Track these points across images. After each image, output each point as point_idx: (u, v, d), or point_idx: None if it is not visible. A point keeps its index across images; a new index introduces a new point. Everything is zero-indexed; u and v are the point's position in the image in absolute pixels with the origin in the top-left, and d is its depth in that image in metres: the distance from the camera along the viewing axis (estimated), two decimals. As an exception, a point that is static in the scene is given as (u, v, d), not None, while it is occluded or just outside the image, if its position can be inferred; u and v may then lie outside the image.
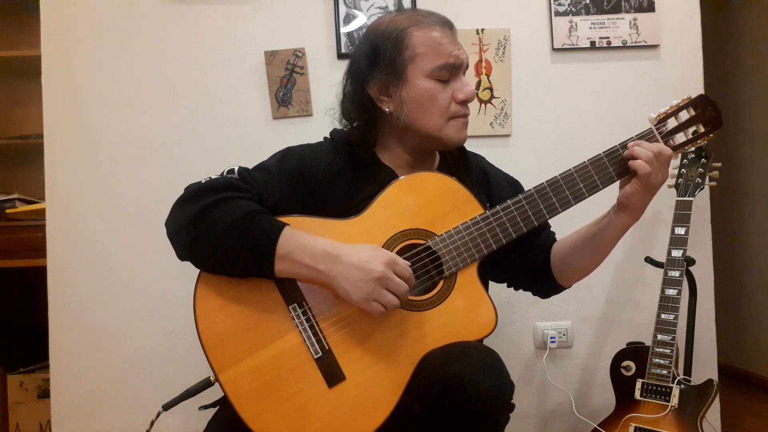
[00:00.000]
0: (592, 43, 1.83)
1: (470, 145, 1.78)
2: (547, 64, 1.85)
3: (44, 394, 2.01)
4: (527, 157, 1.81)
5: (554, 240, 1.31)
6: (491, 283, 1.36)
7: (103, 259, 1.76)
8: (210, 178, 1.11)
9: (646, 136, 1.12)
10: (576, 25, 1.83)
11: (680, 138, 1.13)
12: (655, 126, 1.12)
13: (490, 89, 1.82)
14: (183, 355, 1.72)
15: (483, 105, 1.82)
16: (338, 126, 1.28)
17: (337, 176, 1.18)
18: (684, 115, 1.13)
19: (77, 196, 1.76)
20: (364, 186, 1.17)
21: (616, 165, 1.12)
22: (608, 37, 1.83)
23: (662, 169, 1.09)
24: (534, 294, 1.35)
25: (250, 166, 1.18)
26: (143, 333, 1.75)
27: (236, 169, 1.14)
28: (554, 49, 1.84)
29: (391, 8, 1.80)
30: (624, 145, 1.12)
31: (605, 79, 1.84)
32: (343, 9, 1.80)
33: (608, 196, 1.17)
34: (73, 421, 1.73)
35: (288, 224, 1.06)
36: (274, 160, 1.20)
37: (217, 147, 1.77)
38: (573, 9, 1.83)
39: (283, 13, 1.80)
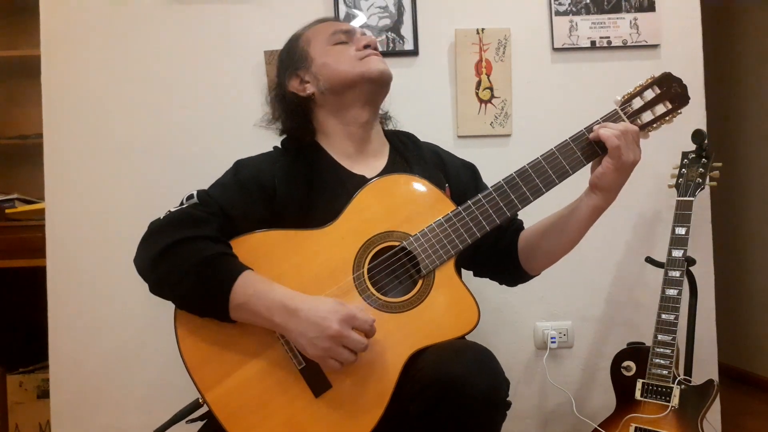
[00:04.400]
0: (593, 42, 1.83)
1: (470, 145, 1.80)
2: (548, 63, 1.84)
3: (44, 394, 2.01)
4: (527, 157, 1.78)
5: (520, 225, 1.30)
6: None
7: (103, 259, 1.75)
8: (170, 211, 1.11)
9: (612, 117, 1.13)
10: (576, 24, 1.83)
11: (647, 117, 1.14)
12: (620, 107, 1.13)
13: (490, 89, 1.82)
14: (183, 355, 1.72)
15: (483, 105, 1.82)
16: None
17: (291, 177, 1.20)
18: (649, 94, 1.14)
19: (77, 196, 1.76)
20: (320, 189, 1.19)
21: (583, 149, 1.12)
22: (608, 37, 1.83)
23: (632, 147, 1.09)
24: (501, 282, 1.33)
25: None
26: (143, 333, 1.75)
27: (195, 193, 1.14)
28: (554, 49, 1.84)
29: (391, 8, 1.80)
30: (589, 129, 1.12)
31: (605, 79, 1.84)
32: (343, 9, 1.80)
33: (582, 182, 1.17)
34: (72, 421, 1.73)
35: (248, 268, 1.05)
36: (228, 175, 1.23)
37: (217, 146, 1.77)
38: (573, 9, 1.83)
39: (283, 13, 1.80)
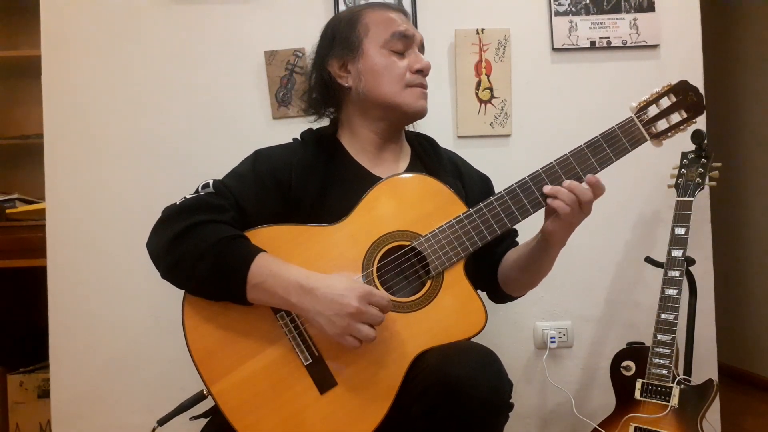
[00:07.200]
0: (592, 43, 1.83)
1: (470, 145, 1.80)
2: (547, 64, 1.85)
3: (44, 394, 2.01)
4: (527, 157, 1.81)
5: (506, 249, 1.30)
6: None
7: (103, 259, 1.76)
8: (185, 198, 1.11)
9: (627, 125, 1.12)
10: (576, 25, 1.83)
11: (662, 125, 1.12)
12: (635, 114, 1.12)
13: (490, 89, 1.82)
14: (183, 355, 1.71)
15: (483, 105, 1.82)
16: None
17: (308, 171, 1.20)
18: (665, 102, 1.13)
19: (77, 196, 1.76)
20: (336, 185, 1.19)
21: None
22: (608, 37, 1.83)
23: (587, 212, 1.09)
24: (488, 298, 1.34)
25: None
26: (143, 333, 1.75)
27: (211, 183, 1.14)
28: (554, 49, 1.84)
29: (391, 8, 1.80)
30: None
31: (605, 79, 1.84)
32: (343, 9, 1.80)
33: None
34: (73, 421, 1.73)
35: (263, 251, 1.05)
36: (246, 164, 1.22)
37: (217, 147, 1.77)
38: (573, 9, 1.83)
39: (283, 13, 1.80)
